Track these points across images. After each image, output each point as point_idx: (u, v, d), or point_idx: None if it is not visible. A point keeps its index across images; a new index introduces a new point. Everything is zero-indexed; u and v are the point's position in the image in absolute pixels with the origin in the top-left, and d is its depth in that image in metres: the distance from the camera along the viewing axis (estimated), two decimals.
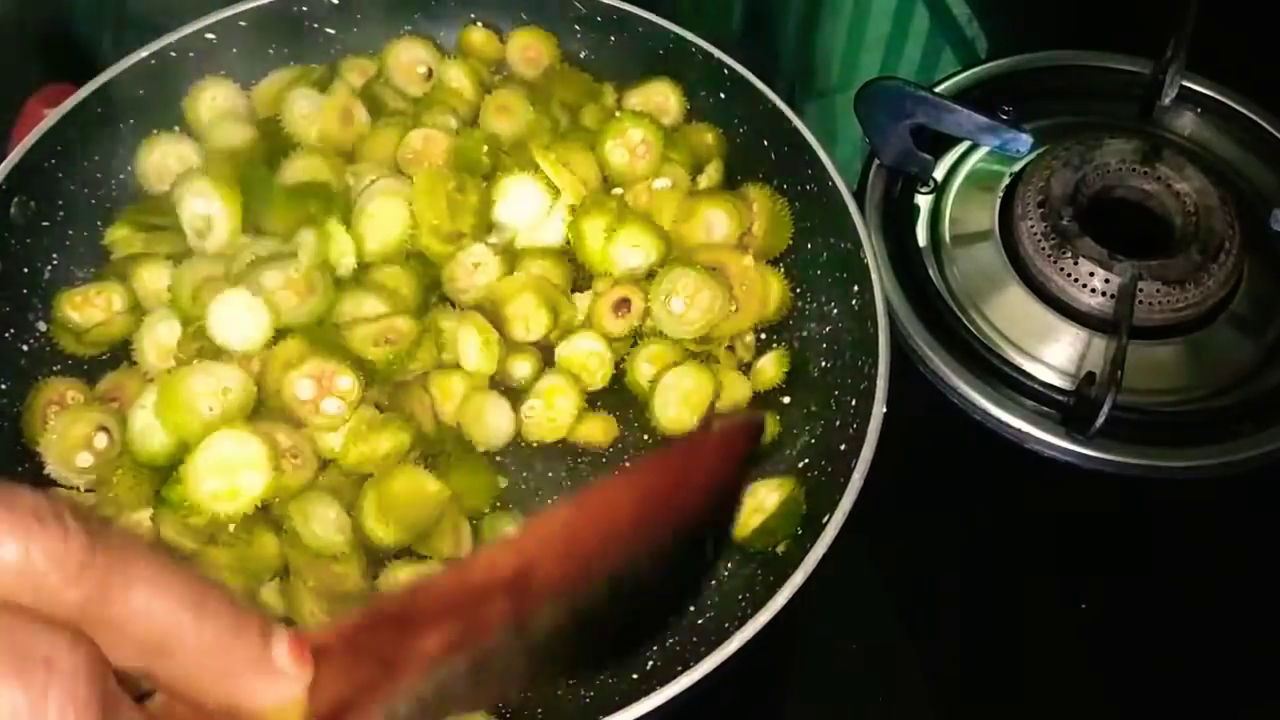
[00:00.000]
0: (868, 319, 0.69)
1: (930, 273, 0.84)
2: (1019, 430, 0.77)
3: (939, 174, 0.90)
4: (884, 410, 0.64)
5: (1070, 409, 0.77)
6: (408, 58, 0.85)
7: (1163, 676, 0.71)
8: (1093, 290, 0.80)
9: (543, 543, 0.33)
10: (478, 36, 0.88)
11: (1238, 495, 0.76)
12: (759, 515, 0.68)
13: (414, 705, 0.30)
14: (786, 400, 0.76)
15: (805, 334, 0.77)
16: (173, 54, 0.79)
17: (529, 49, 0.87)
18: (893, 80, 0.85)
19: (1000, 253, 0.84)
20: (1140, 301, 0.78)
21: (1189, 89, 0.94)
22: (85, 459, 0.67)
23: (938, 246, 0.86)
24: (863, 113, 0.86)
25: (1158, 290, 0.80)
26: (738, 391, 0.74)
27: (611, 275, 0.76)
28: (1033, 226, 0.83)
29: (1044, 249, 0.82)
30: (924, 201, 0.88)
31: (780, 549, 0.67)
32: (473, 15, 0.88)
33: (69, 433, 0.67)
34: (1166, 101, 0.94)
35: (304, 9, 0.84)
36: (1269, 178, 0.91)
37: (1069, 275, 0.81)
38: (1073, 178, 0.84)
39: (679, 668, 0.56)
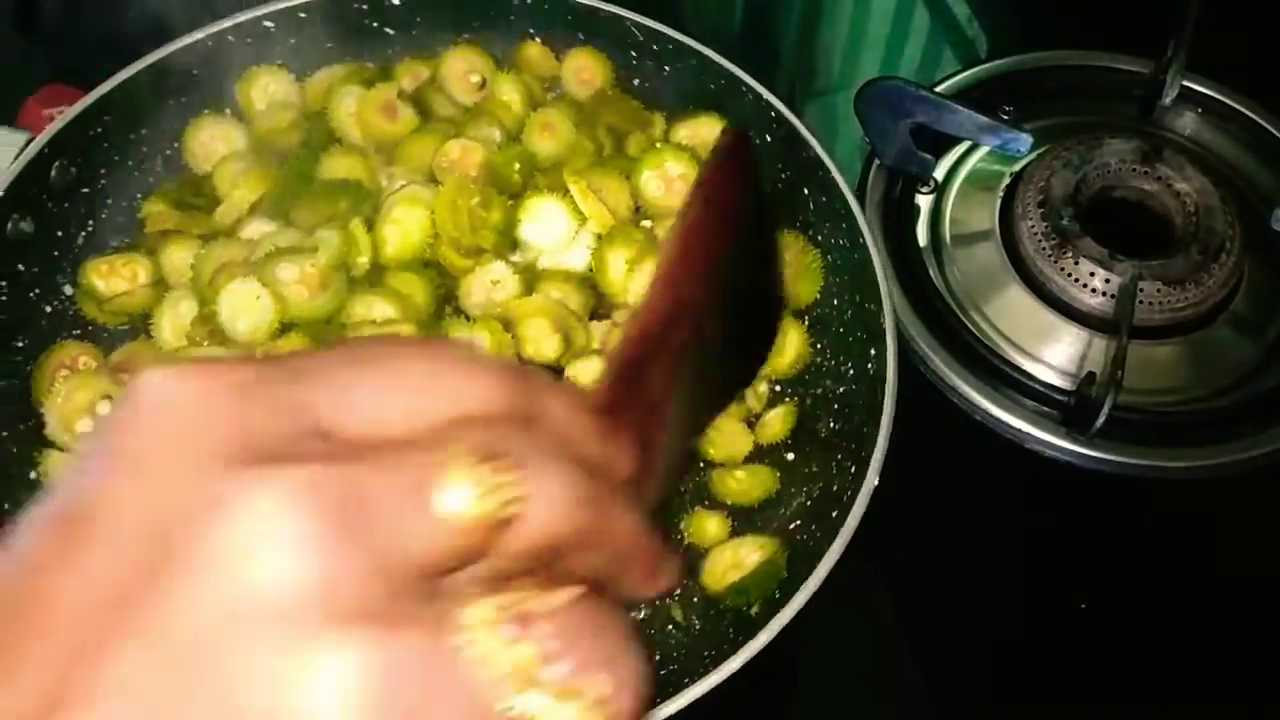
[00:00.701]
0: (879, 385, 0.67)
1: (930, 273, 0.84)
2: (1019, 430, 0.77)
3: (939, 174, 0.89)
4: (876, 482, 0.62)
5: (1070, 409, 0.77)
6: (463, 65, 0.84)
7: (1163, 677, 0.71)
8: (1093, 290, 0.80)
9: (679, 273, 0.36)
10: (534, 52, 0.86)
11: (1238, 495, 0.76)
12: (736, 572, 0.66)
13: (673, 432, 0.34)
14: (790, 457, 0.73)
15: (819, 391, 0.75)
16: (230, 38, 0.79)
17: (584, 70, 0.85)
18: (893, 80, 0.85)
19: (1000, 253, 0.84)
20: (1140, 301, 0.78)
21: (1189, 89, 0.94)
22: (86, 425, 0.67)
23: (938, 246, 0.86)
24: (863, 113, 0.86)
25: (1158, 290, 0.80)
26: (739, 444, 0.72)
27: (631, 307, 0.75)
28: (1033, 226, 0.83)
29: (1044, 249, 0.82)
30: (924, 201, 0.88)
31: (754, 610, 0.64)
32: (531, 30, 0.86)
33: (74, 397, 0.67)
34: (1166, 101, 0.94)
35: (364, 6, 0.83)
36: (1269, 178, 0.91)
37: (1069, 275, 0.81)
38: (1073, 178, 0.84)
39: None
